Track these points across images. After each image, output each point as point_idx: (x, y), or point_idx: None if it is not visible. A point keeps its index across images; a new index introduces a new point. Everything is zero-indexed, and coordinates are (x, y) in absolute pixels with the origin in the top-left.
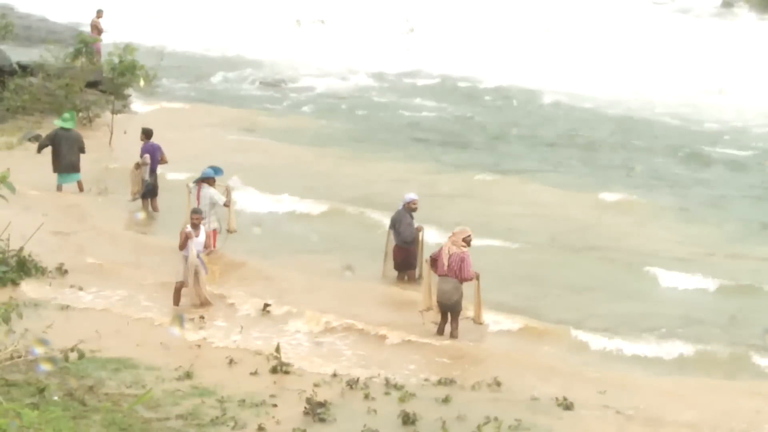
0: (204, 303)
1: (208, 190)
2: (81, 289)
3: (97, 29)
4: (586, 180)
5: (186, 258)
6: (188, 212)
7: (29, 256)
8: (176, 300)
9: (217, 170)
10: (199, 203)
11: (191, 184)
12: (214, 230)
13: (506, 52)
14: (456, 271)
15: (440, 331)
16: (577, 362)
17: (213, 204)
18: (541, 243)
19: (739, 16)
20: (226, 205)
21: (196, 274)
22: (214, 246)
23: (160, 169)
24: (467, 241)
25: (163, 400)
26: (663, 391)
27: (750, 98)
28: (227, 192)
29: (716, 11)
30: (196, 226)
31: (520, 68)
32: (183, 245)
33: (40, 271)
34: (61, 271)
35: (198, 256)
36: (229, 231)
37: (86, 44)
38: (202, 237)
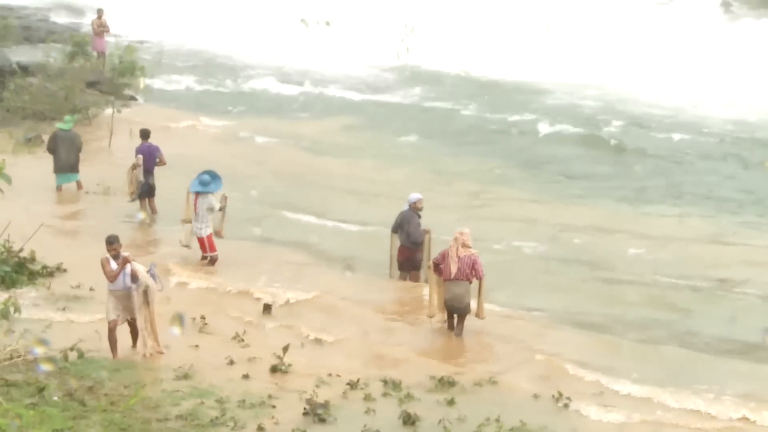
0: (156, 350)
1: (206, 197)
2: (78, 287)
3: (100, 29)
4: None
5: (112, 292)
6: (186, 215)
7: (30, 255)
8: (114, 344)
9: (214, 177)
10: (196, 209)
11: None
12: (209, 235)
13: (506, 51)
14: (468, 274)
15: (451, 327)
16: (578, 362)
17: (211, 209)
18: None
19: (739, 16)
20: (221, 209)
21: (146, 294)
22: (212, 250)
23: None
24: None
25: (162, 400)
26: (663, 389)
27: (749, 98)
28: (223, 199)
29: (716, 11)
30: (115, 258)
31: (519, 67)
32: (113, 276)
33: (41, 271)
34: (60, 269)
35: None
36: (216, 236)
37: (81, 46)
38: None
